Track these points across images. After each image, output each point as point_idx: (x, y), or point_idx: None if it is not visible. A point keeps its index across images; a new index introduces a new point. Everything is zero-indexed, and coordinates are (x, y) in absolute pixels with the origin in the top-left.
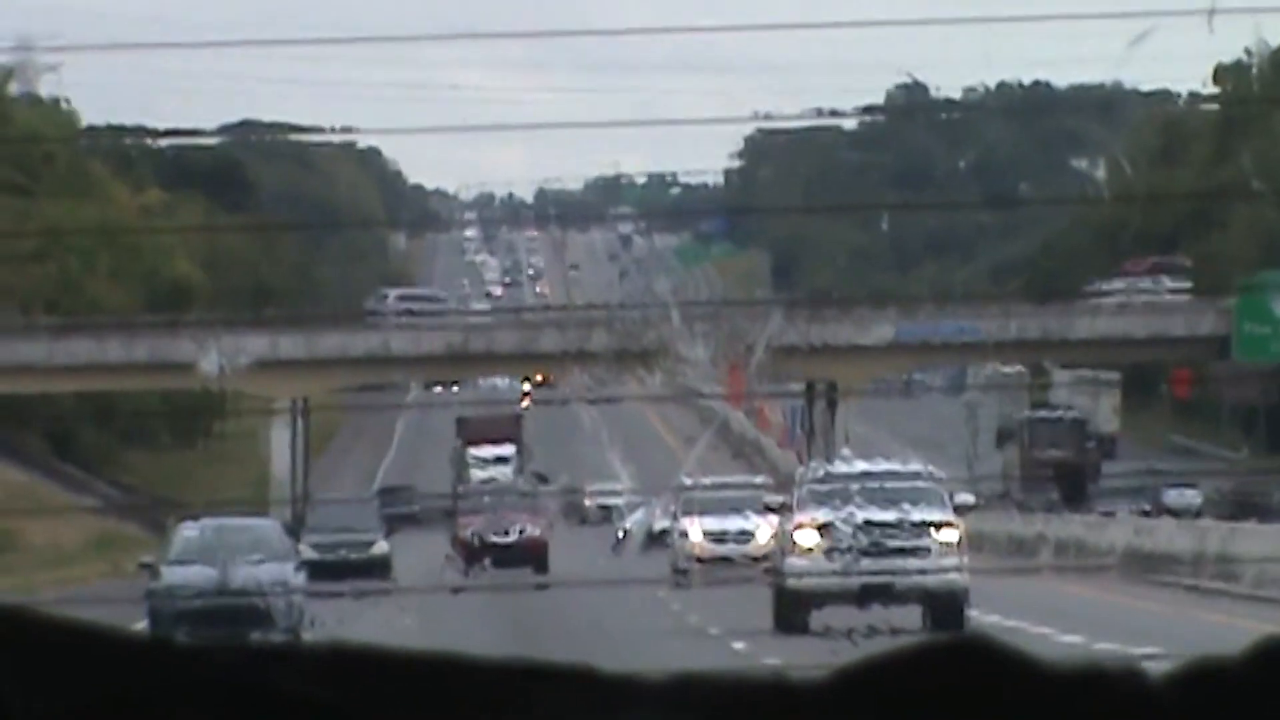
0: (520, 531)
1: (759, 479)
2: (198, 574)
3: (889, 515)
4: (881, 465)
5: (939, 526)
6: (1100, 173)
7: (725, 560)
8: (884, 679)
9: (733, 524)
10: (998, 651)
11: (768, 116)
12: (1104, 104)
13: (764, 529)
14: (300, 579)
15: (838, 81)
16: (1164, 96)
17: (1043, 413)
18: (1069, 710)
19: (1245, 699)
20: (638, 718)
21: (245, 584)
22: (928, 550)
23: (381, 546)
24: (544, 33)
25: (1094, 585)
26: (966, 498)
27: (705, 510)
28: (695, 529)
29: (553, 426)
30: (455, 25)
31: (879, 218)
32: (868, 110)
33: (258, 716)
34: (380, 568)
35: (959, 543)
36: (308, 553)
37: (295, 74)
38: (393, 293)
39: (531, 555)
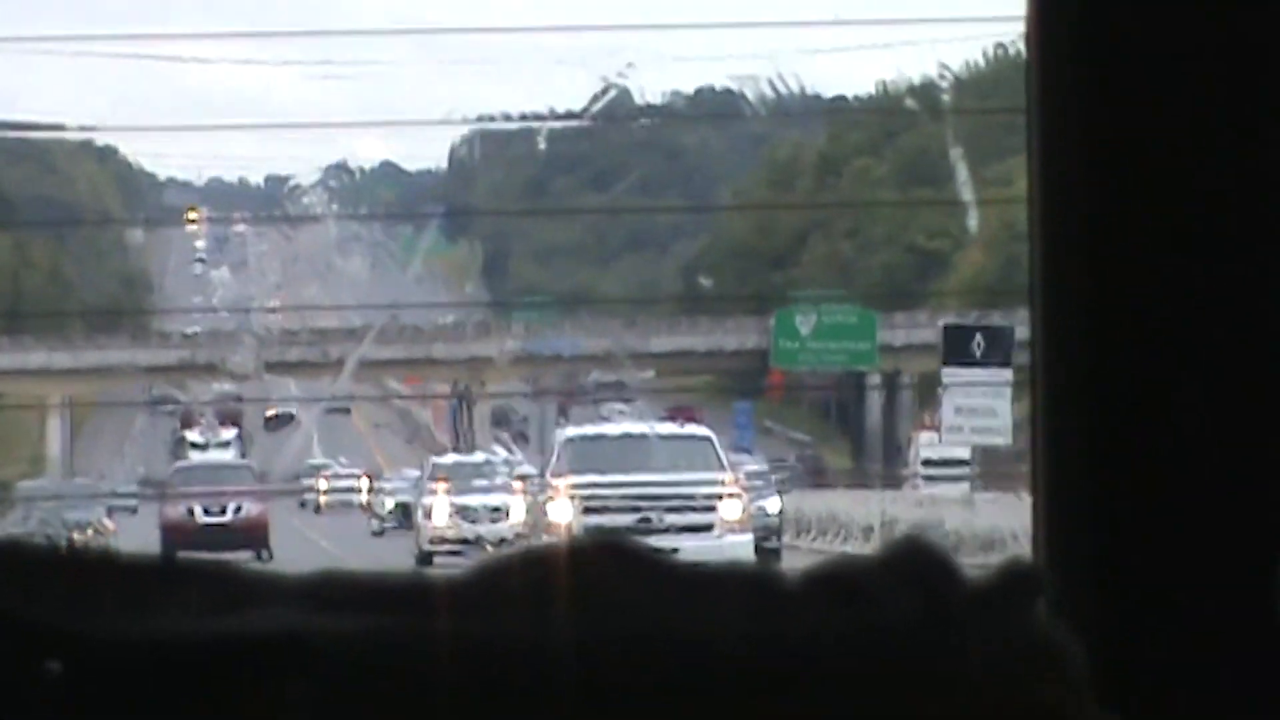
0: (237, 510)
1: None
2: None
3: (659, 486)
4: (648, 427)
5: (719, 498)
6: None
7: (472, 542)
8: (518, 572)
9: (483, 499)
10: (635, 552)
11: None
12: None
13: (518, 505)
14: None
15: (554, 83)
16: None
17: None
18: (699, 604)
19: (873, 588)
20: (273, 611)
21: None
22: (709, 527)
23: None
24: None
25: None
26: (751, 463)
27: (453, 484)
28: (441, 506)
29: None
30: (184, 18)
31: (579, 216)
32: (572, 115)
33: None
34: None
35: (741, 517)
36: None
37: (25, 66)
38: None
39: (251, 537)
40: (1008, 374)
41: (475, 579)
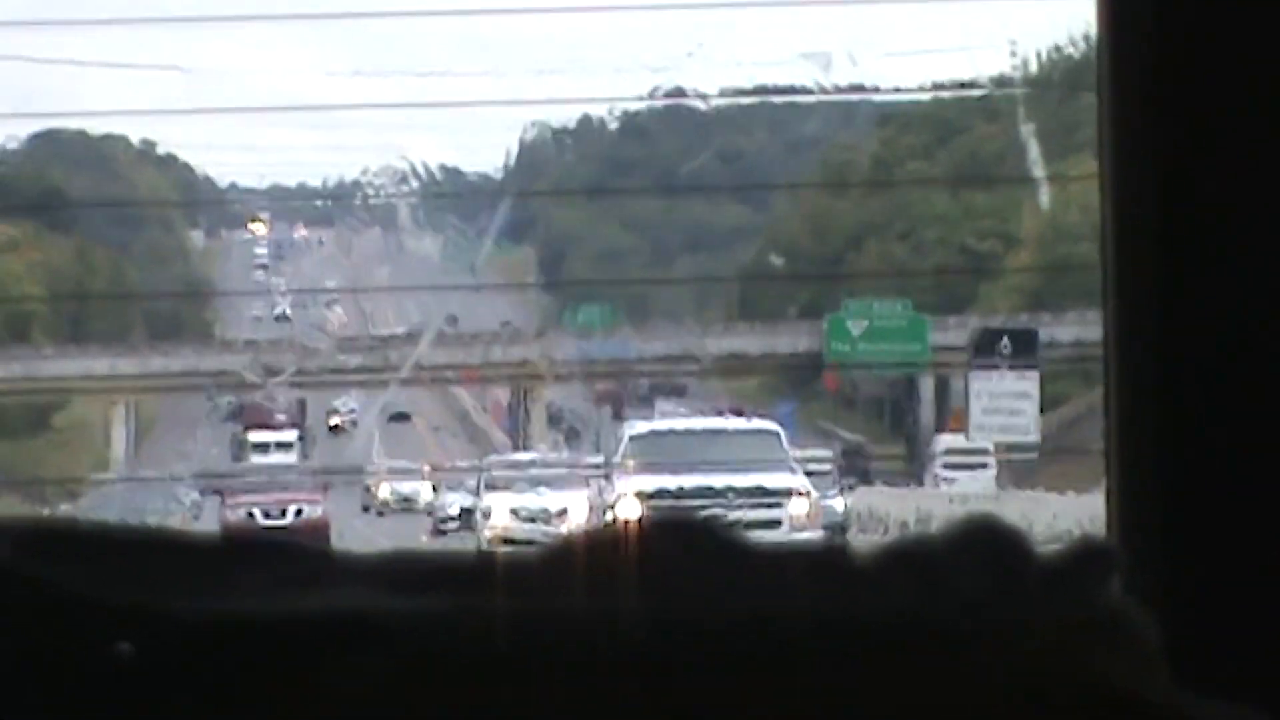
0: (298, 513)
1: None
2: None
3: (726, 481)
4: (716, 422)
5: (787, 495)
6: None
7: (534, 543)
8: (586, 551)
9: (543, 498)
10: (704, 530)
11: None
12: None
13: (579, 502)
14: None
15: (610, 77)
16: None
17: None
18: (768, 581)
19: (945, 565)
20: (341, 590)
21: None
22: (777, 523)
23: None
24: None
25: None
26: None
27: (511, 484)
28: (500, 506)
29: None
30: (240, 10)
31: (638, 216)
32: (633, 99)
33: None
34: None
35: (810, 514)
36: None
37: (81, 76)
38: None
39: (311, 540)
40: (1034, 374)
41: (543, 558)
